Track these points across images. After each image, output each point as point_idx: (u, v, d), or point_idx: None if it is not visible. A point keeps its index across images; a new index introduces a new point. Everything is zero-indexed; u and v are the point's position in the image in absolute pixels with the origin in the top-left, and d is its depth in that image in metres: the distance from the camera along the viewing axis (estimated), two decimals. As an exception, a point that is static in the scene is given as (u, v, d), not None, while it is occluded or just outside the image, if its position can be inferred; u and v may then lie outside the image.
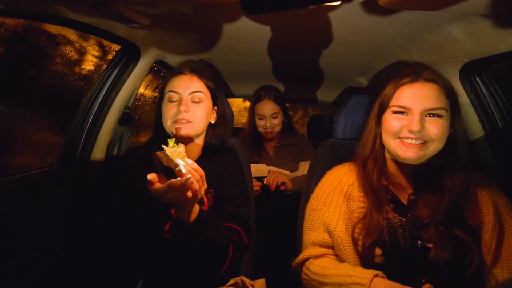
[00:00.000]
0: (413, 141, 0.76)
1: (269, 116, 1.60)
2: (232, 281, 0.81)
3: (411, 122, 0.76)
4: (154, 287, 0.90)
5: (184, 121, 0.90)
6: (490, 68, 1.12)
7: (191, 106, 0.92)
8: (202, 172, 0.71)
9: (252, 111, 1.68)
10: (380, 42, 1.21)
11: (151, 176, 0.66)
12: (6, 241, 0.91)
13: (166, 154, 0.67)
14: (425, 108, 0.76)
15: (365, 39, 1.19)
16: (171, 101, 0.93)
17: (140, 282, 0.90)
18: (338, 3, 0.82)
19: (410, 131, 0.76)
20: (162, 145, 0.68)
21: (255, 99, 1.65)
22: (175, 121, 0.90)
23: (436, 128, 0.75)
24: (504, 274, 0.75)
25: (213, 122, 1.01)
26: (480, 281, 0.77)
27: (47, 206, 1.05)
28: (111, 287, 0.92)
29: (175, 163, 0.67)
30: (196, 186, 0.69)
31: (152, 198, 0.71)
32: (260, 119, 1.63)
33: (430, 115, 0.77)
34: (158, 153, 0.68)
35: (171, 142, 0.70)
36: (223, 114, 1.08)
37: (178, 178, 0.66)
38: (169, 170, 0.73)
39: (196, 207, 0.77)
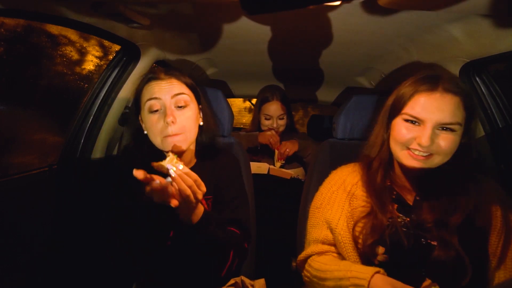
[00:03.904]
0: (420, 153, 0.74)
1: (276, 117, 1.62)
2: (232, 281, 0.81)
3: (422, 135, 0.73)
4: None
5: (176, 137, 0.82)
6: (490, 68, 1.12)
7: (177, 114, 0.83)
8: (195, 176, 0.68)
9: (258, 110, 1.69)
10: (380, 42, 1.21)
11: (138, 173, 0.64)
12: (6, 241, 0.91)
13: (160, 163, 0.67)
14: (439, 122, 0.72)
15: (365, 39, 1.19)
16: (152, 111, 0.83)
17: (134, 284, 0.90)
18: (338, 3, 0.82)
19: (419, 144, 0.73)
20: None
21: (262, 100, 1.66)
22: (165, 137, 0.82)
23: (445, 143, 0.73)
24: (508, 277, 0.75)
25: (201, 124, 0.93)
26: (482, 281, 0.77)
27: (47, 206, 1.05)
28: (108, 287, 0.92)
29: (165, 167, 0.66)
30: (186, 191, 0.66)
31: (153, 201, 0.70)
32: (266, 119, 1.65)
33: (442, 129, 0.73)
34: (154, 163, 0.68)
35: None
36: (207, 113, 0.99)
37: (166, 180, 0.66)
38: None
39: (200, 209, 0.75)
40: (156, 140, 0.84)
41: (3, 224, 0.90)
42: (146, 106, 0.84)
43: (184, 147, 0.84)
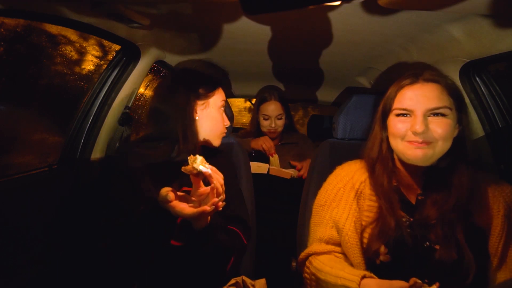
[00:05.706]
0: (419, 141, 0.76)
1: (275, 117, 1.62)
2: (233, 281, 0.81)
3: (415, 123, 0.75)
4: None
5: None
6: (490, 68, 1.12)
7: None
8: (221, 175, 0.72)
9: (256, 111, 1.69)
10: (380, 42, 1.21)
11: (171, 196, 0.66)
12: (6, 241, 0.91)
13: (191, 166, 0.67)
14: (428, 108, 0.76)
15: (365, 39, 1.19)
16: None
17: (135, 286, 0.90)
18: (338, 3, 0.82)
19: (415, 133, 0.75)
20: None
21: (260, 100, 1.66)
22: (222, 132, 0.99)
23: (440, 128, 0.75)
24: (508, 277, 0.74)
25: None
26: (484, 283, 0.77)
27: (47, 206, 1.05)
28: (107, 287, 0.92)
29: (197, 170, 0.67)
30: (219, 189, 0.69)
31: (156, 204, 0.70)
32: (265, 119, 1.65)
33: (434, 115, 0.76)
34: (185, 167, 0.68)
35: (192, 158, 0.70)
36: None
37: (208, 204, 0.67)
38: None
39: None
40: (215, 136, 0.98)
41: (3, 224, 0.90)
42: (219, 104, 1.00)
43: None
